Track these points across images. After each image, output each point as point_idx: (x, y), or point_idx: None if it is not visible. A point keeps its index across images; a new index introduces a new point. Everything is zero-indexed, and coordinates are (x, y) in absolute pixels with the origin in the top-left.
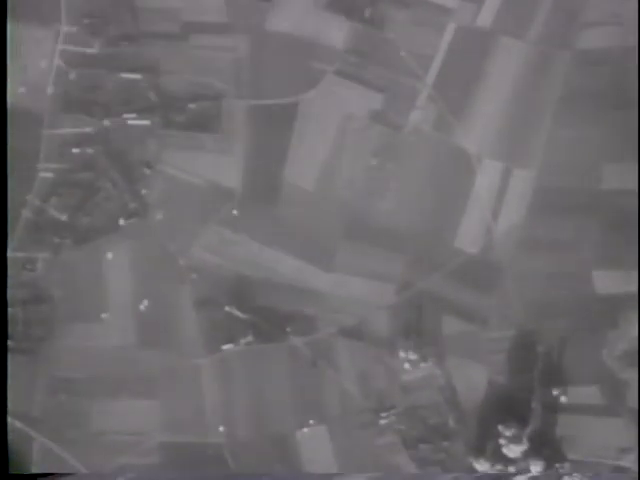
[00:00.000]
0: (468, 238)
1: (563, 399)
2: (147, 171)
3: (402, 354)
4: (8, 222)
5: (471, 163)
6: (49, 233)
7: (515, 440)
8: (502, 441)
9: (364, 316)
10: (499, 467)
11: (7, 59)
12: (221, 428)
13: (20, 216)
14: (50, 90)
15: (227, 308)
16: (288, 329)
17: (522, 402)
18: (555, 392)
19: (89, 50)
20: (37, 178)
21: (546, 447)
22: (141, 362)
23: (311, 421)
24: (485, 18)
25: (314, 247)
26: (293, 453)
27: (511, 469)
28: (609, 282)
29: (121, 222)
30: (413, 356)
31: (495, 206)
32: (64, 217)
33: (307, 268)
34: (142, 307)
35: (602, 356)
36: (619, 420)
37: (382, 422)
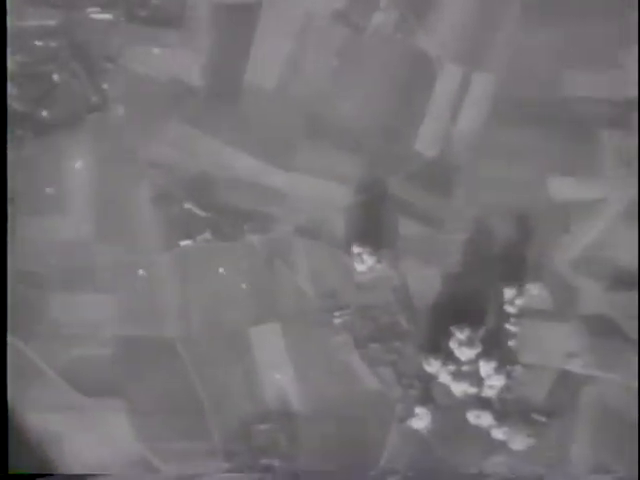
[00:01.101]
0: (427, 141)
1: (516, 303)
2: (109, 65)
3: (357, 255)
4: (8, 222)
5: (432, 66)
6: (10, 125)
7: (468, 342)
8: (454, 343)
9: (321, 216)
10: (450, 367)
11: (7, 59)
12: (175, 323)
13: None
14: None
15: (186, 205)
16: (246, 227)
17: (475, 304)
18: (507, 296)
19: None
20: None
21: (497, 349)
22: (98, 256)
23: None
24: None
25: (274, 146)
26: (246, 350)
27: (465, 367)
28: (564, 189)
29: (82, 116)
30: (368, 256)
31: (455, 110)
32: (25, 109)
33: (267, 167)
34: (101, 201)
35: (554, 262)
36: (568, 325)
37: (336, 321)
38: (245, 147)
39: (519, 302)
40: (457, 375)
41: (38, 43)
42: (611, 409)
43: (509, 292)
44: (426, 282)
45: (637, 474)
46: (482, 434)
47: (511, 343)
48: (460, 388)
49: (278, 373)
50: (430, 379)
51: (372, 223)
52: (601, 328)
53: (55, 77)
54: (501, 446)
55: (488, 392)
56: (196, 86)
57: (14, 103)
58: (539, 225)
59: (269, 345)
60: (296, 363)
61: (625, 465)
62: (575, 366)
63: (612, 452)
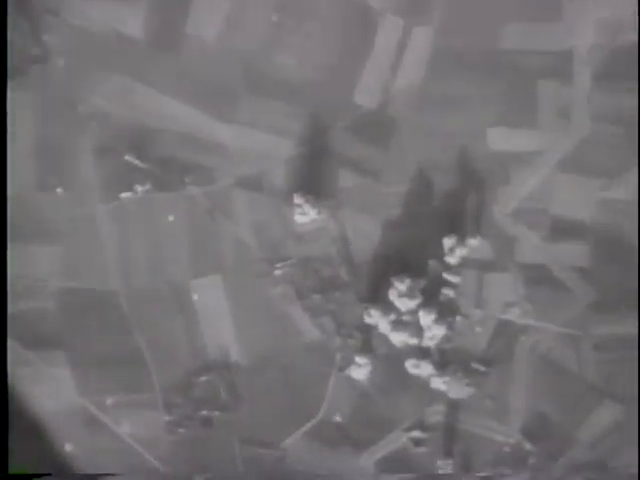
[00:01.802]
0: (367, 93)
1: (455, 253)
2: (50, 18)
3: (298, 206)
4: (8, 221)
5: (373, 18)
6: None
7: (408, 293)
8: (394, 294)
9: (262, 168)
10: (390, 318)
11: (7, 59)
12: (117, 275)
13: None
14: None
15: (127, 157)
16: (187, 179)
17: (415, 256)
18: (447, 246)
19: None
20: None
21: (437, 300)
22: (40, 208)
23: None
24: None
25: (215, 99)
26: (187, 301)
27: (405, 318)
28: (503, 140)
29: (24, 68)
30: (309, 208)
31: (395, 62)
32: None
33: (207, 119)
34: (42, 153)
35: (493, 212)
36: (507, 275)
37: (276, 272)
38: (186, 99)
39: (459, 253)
40: (397, 325)
41: None
42: (547, 357)
43: (449, 243)
44: (366, 233)
45: (637, 474)
46: (421, 384)
47: (451, 293)
48: (400, 338)
49: (219, 325)
50: (370, 329)
51: (313, 175)
52: (538, 277)
53: None
54: (440, 395)
55: (428, 342)
56: (136, 38)
57: None
58: (478, 176)
59: (210, 297)
60: (237, 315)
61: (559, 410)
62: (513, 315)
63: (548, 399)
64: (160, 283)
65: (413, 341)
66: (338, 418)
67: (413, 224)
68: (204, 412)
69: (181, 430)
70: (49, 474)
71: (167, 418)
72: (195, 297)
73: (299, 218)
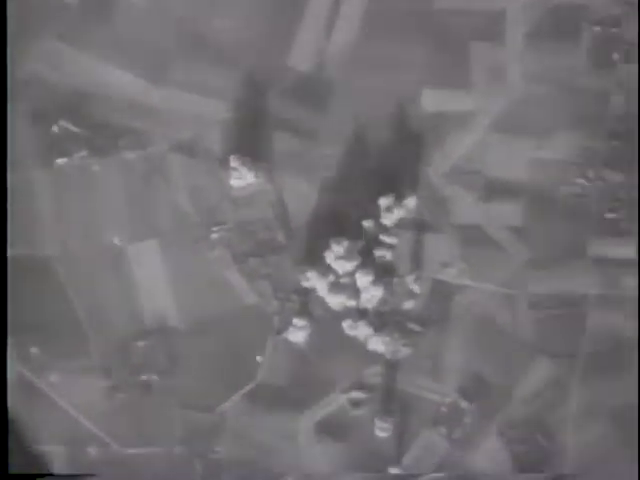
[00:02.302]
0: (301, 56)
1: (392, 215)
2: None
3: (234, 170)
4: (8, 220)
5: None
6: None
7: (345, 255)
8: (332, 256)
9: (197, 132)
10: (328, 280)
11: (7, 59)
12: (52, 241)
13: None
14: None
15: (61, 122)
16: (121, 144)
17: (352, 218)
18: (383, 208)
19: None
20: None
21: (374, 261)
22: None
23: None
24: None
25: (149, 62)
26: (124, 265)
27: (343, 280)
28: (437, 101)
29: None
30: (245, 172)
31: (328, 24)
32: None
33: (141, 83)
34: None
35: (428, 173)
36: (442, 235)
37: (213, 236)
38: (120, 63)
39: (395, 214)
40: (334, 288)
41: None
42: (483, 316)
43: (385, 204)
44: (302, 196)
45: (637, 474)
46: (359, 345)
47: (387, 255)
48: (337, 300)
49: (156, 289)
50: (307, 292)
51: (248, 138)
52: (473, 238)
53: None
54: (378, 356)
55: (365, 304)
56: (69, 2)
57: None
58: (413, 137)
59: (147, 262)
60: (174, 279)
61: (495, 369)
62: (449, 276)
63: (484, 357)
64: (96, 248)
65: (350, 303)
66: (276, 381)
67: (349, 186)
68: (143, 377)
69: (120, 395)
70: (50, 474)
71: (105, 384)
72: (131, 262)
73: (235, 182)
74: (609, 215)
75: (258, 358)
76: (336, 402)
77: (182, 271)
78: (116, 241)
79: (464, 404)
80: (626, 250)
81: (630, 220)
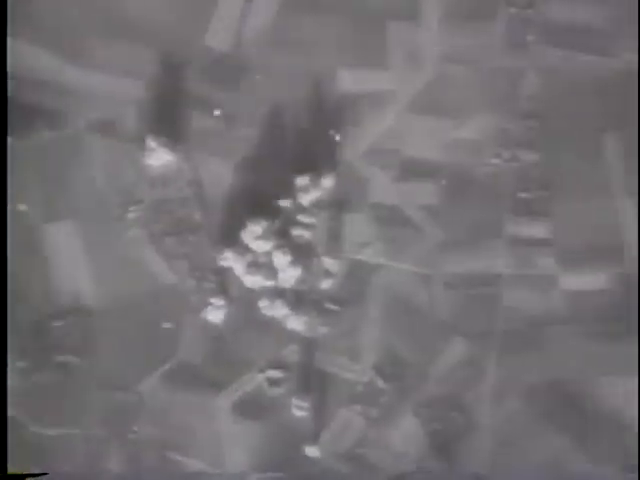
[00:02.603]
0: (218, 36)
1: (309, 195)
2: None
3: (151, 149)
4: (8, 217)
5: None
6: None
7: (263, 235)
8: (249, 236)
9: (114, 112)
10: (245, 260)
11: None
12: None
13: None
14: None
15: None
16: (38, 124)
17: (269, 198)
18: (301, 188)
19: None
20: None
21: (292, 241)
22: None
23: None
24: None
25: (65, 42)
26: (40, 246)
27: (260, 260)
28: (354, 81)
29: None
30: (162, 151)
31: (245, 5)
32: None
33: (57, 62)
34: None
35: (345, 153)
36: (360, 215)
37: (130, 216)
38: (37, 42)
39: (312, 194)
40: (252, 267)
41: None
42: (399, 296)
43: (302, 183)
44: (219, 176)
45: (637, 474)
46: (277, 324)
47: (305, 235)
48: (255, 280)
49: (72, 269)
50: (225, 272)
51: (165, 118)
52: (390, 217)
53: None
54: (295, 336)
55: (282, 284)
56: None
57: None
58: (330, 117)
59: (63, 241)
60: (91, 259)
61: (412, 348)
62: (366, 255)
63: (401, 337)
64: (12, 227)
65: (268, 283)
66: (194, 360)
67: (267, 166)
68: (59, 358)
69: (36, 376)
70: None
71: (21, 364)
72: (48, 242)
73: (152, 161)
74: (523, 195)
75: (166, 325)
76: (253, 381)
77: (99, 250)
78: (32, 220)
79: (381, 383)
80: (540, 230)
81: (543, 200)
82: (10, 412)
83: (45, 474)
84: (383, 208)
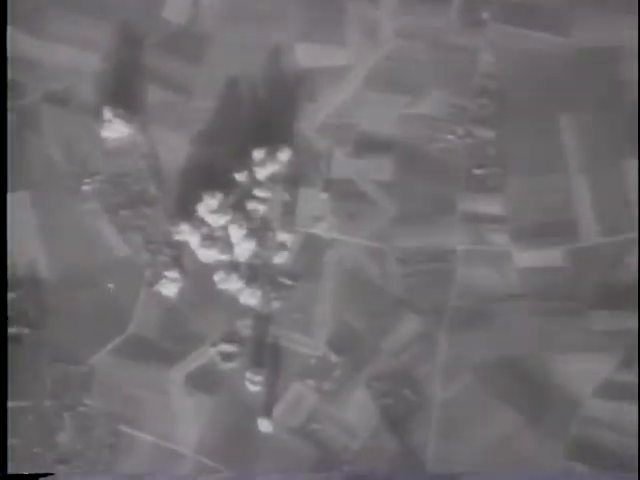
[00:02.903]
0: (176, 9)
1: (265, 169)
2: None
3: (107, 121)
4: (8, 221)
5: None
6: None
7: (218, 209)
8: (205, 209)
9: (70, 83)
10: (200, 234)
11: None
12: None
13: None
14: None
15: None
16: None
17: (225, 171)
18: (257, 162)
19: None
20: None
21: (247, 215)
22: None
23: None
24: None
25: (22, 13)
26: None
27: (215, 233)
28: (310, 56)
29: None
30: (118, 124)
31: None
32: None
33: (15, 33)
34: None
35: (301, 127)
36: (314, 190)
37: (85, 188)
38: None
39: (268, 168)
40: (206, 241)
41: None
42: (353, 270)
43: (258, 157)
44: (175, 149)
45: (637, 474)
46: (231, 298)
47: (260, 209)
48: (209, 254)
49: (27, 241)
50: (179, 245)
51: (122, 90)
52: (344, 192)
53: None
54: (249, 310)
55: (237, 257)
56: None
57: None
58: (287, 91)
59: (18, 214)
60: (45, 231)
61: (365, 323)
62: (320, 229)
63: (354, 311)
64: None
65: (223, 257)
66: (147, 334)
67: (223, 139)
68: (13, 329)
69: None
70: (50, 474)
71: None
72: (5, 214)
73: (108, 133)
74: (478, 171)
75: (110, 285)
76: (206, 355)
77: (53, 223)
78: None
79: (333, 357)
80: (494, 206)
81: (498, 176)
82: None
83: (50, 474)
84: (337, 182)
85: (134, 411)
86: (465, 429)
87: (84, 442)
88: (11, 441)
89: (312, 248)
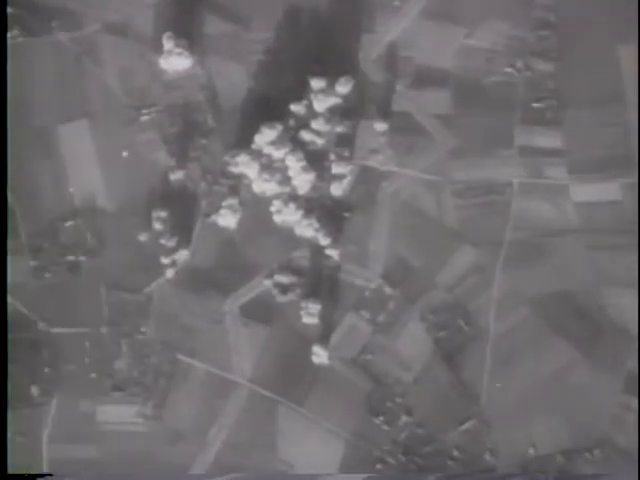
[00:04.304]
0: None
1: (324, 101)
2: None
3: (166, 52)
4: (8, 220)
5: None
6: None
7: (278, 141)
8: (263, 141)
9: (129, 13)
10: (258, 165)
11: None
12: None
13: None
14: None
15: None
16: (53, 24)
17: (283, 103)
18: (315, 92)
19: None
20: None
21: (304, 147)
22: None
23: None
24: None
25: None
26: (54, 148)
27: (273, 165)
28: None
29: None
30: (176, 54)
31: None
32: None
33: None
34: None
35: (359, 59)
36: (371, 122)
37: (143, 119)
38: None
39: (327, 100)
40: (264, 173)
41: None
42: (408, 203)
43: (317, 89)
44: (233, 80)
45: (637, 474)
46: (287, 230)
47: (318, 141)
48: (267, 186)
49: (85, 170)
50: (237, 177)
51: (180, 22)
52: (401, 124)
53: None
54: (305, 242)
55: (294, 190)
56: None
57: None
58: (345, 24)
59: (77, 143)
60: (103, 160)
61: (419, 255)
62: (376, 162)
63: (409, 244)
64: (27, 129)
65: (280, 188)
66: (203, 264)
67: (281, 71)
68: (70, 257)
69: (47, 275)
70: (50, 474)
71: (33, 263)
72: (62, 143)
73: (166, 64)
74: (536, 105)
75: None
76: (262, 285)
77: (111, 152)
78: (46, 121)
79: (388, 289)
80: (552, 140)
81: (556, 109)
82: (21, 310)
83: (49, 475)
84: (394, 115)
85: (190, 340)
86: (520, 362)
87: (140, 370)
88: (67, 367)
89: (368, 180)
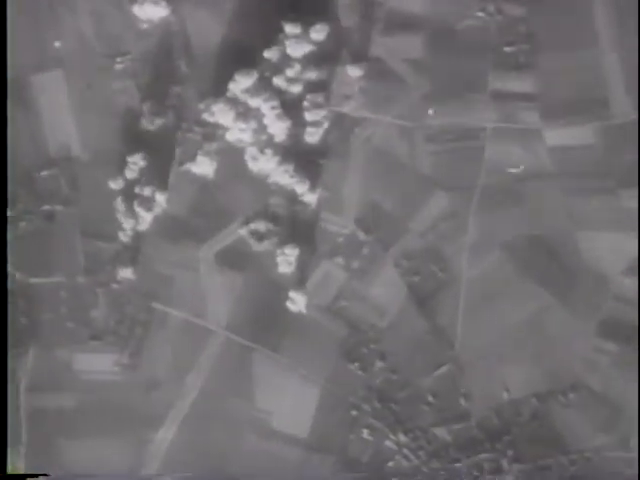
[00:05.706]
0: None
1: (297, 46)
2: None
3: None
4: (8, 220)
5: None
6: None
7: (252, 89)
8: (238, 88)
9: None
10: (235, 111)
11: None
12: None
13: None
14: None
15: None
16: None
17: (257, 49)
18: (289, 37)
19: None
20: None
21: (280, 94)
22: None
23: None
24: None
25: None
26: (28, 97)
27: (247, 113)
28: None
29: None
30: (149, 2)
31: None
32: None
33: None
34: None
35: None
36: (343, 68)
37: (117, 67)
38: None
39: (301, 46)
40: (238, 120)
41: None
42: (381, 148)
43: (291, 35)
44: (207, 27)
45: (637, 474)
46: (261, 177)
47: (293, 87)
48: (241, 133)
49: (60, 120)
50: (211, 124)
51: None
52: (374, 70)
53: None
54: (280, 189)
55: (269, 137)
56: None
57: None
58: None
59: (51, 92)
60: (78, 109)
61: (393, 201)
62: (349, 108)
63: (382, 190)
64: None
65: (254, 136)
66: (179, 212)
67: (254, 17)
68: (46, 206)
69: (22, 224)
70: (49, 474)
71: (9, 214)
72: (36, 93)
73: (139, 12)
74: (508, 49)
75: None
76: (237, 232)
77: (86, 101)
78: (20, 71)
79: (362, 235)
80: (524, 84)
81: (528, 53)
82: None
83: (45, 475)
84: (367, 60)
85: (165, 288)
86: (494, 307)
87: (117, 318)
88: (45, 316)
89: (341, 126)
